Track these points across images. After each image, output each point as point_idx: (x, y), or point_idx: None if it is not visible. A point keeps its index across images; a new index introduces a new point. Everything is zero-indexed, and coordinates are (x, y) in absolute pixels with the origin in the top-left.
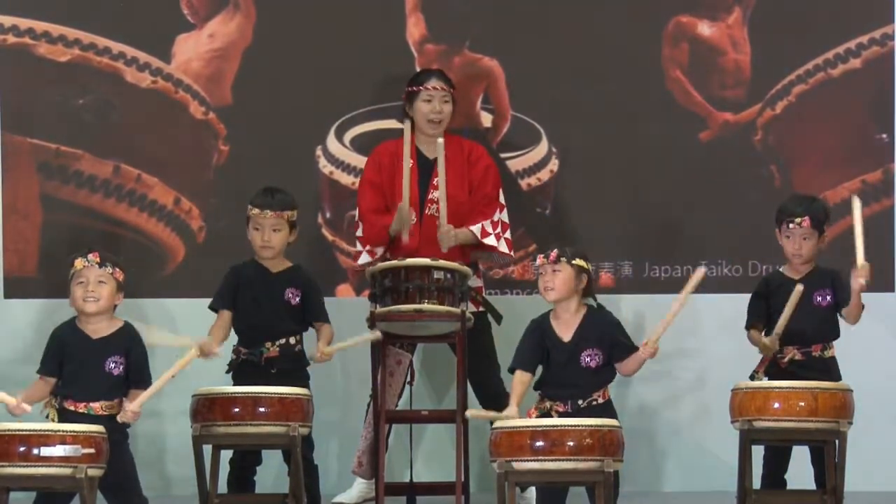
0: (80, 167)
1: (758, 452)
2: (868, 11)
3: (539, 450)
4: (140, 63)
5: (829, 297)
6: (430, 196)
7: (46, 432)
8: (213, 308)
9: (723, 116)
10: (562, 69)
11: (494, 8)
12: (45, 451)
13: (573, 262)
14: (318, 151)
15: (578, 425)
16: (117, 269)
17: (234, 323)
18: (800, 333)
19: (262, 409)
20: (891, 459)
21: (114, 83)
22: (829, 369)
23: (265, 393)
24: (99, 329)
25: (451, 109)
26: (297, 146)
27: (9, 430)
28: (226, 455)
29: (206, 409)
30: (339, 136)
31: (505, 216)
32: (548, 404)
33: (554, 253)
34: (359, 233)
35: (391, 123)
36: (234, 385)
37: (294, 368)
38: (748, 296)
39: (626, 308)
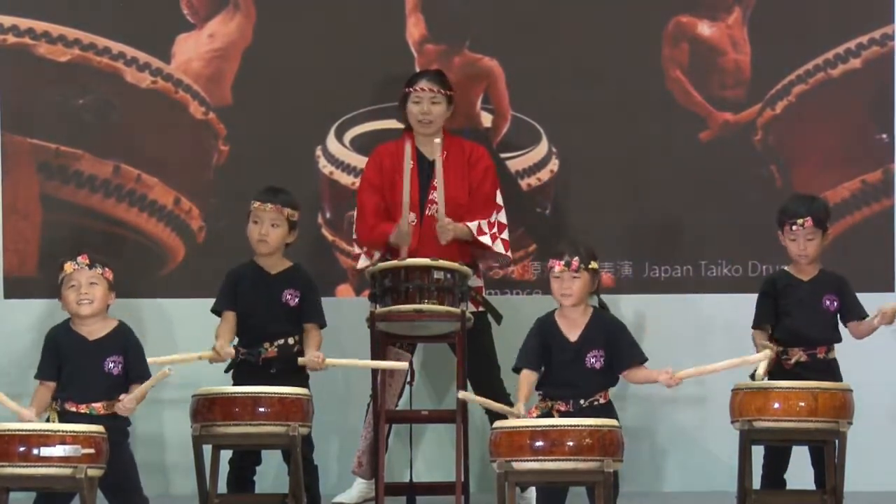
0: (80, 167)
1: (758, 452)
2: (868, 11)
3: (539, 450)
4: (140, 63)
5: (836, 303)
6: (430, 196)
7: (46, 432)
8: (217, 311)
9: (723, 116)
10: (562, 69)
11: (494, 8)
12: (45, 452)
13: (590, 266)
14: (318, 151)
15: (578, 425)
16: (107, 269)
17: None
18: (807, 335)
19: (261, 409)
20: (891, 459)
21: (114, 83)
22: (831, 370)
23: (265, 393)
24: (94, 330)
25: (443, 110)
26: (297, 146)
27: (9, 430)
28: (225, 455)
29: (206, 409)
30: (339, 137)
31: (503, 217)
32: (549, 404)
33: (576, 261)
34: (356, 235)
35: (391, 123)
36: (234, 385)
37: (293, 368)
38: (748, 296)
39: (626, 308)
